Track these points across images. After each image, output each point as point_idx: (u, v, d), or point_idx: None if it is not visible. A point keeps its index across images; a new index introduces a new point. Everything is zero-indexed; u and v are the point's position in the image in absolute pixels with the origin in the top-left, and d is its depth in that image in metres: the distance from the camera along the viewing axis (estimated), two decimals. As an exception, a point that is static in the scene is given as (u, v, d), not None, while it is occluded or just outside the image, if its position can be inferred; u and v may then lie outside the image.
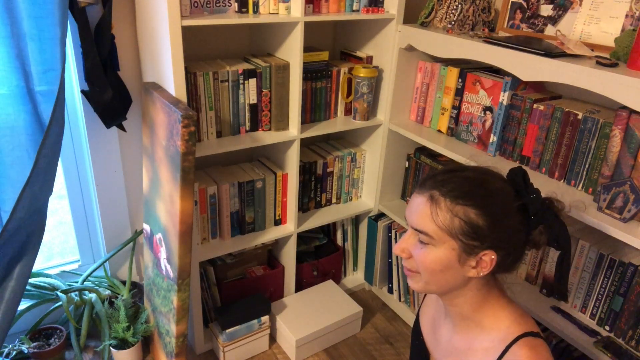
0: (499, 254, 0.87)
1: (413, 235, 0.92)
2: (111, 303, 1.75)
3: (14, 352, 1.62)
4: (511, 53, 1.41)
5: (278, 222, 1.90)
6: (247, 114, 1.69)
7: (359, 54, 1.92)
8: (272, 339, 1.92)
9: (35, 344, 1.65)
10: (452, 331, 1.01)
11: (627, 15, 1.40)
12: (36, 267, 1.75)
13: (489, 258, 0.88)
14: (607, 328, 1.36)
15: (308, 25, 1.65)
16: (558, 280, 0.98)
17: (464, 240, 0.87)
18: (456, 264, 0.89)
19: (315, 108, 1.83)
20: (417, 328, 1.16)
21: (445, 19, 1.74)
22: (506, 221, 0.87)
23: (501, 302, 0.94)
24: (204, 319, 1.88)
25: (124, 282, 1.85)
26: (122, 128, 1.67)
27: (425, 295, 1.18)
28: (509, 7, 1.72)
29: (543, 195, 0.92)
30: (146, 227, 1.65)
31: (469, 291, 0.93)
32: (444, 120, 1.77)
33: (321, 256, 2.11)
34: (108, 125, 1.59)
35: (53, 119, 1.33)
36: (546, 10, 1.61)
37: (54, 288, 1.73)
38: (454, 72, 1.70)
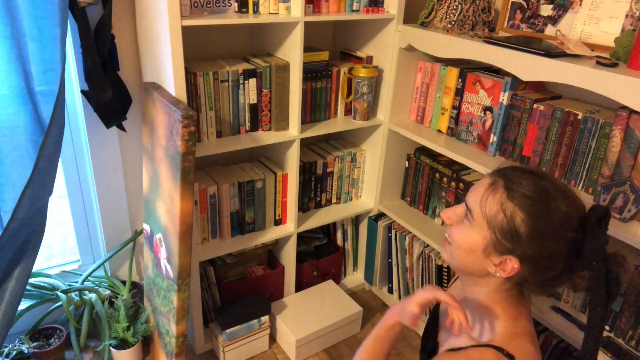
0: (523, 268, 0.87)
1: (462, 209, 0.94)
2: (111, 303, 1.75)
3: (14, 352, 1.62)
4: (511, 53, 1.41)
5: (278, 222, 1.90)
6: (247, 114, 1.69)
7: (359, 54, 1.92)
8: (272, 339, 1.92)
9: (35, 344, 1.65)
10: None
11: (627, 15, 1.40)
12: (36, 267, 1.75)
13: (511, 265, 0.88)
14: (607, 328, 1.36)
15: (308, 25, 1.65)
16: (589, 344, 0.88)
17: (498, 236, 0.87)
18: (481, 253, 0.90)
19: (315, 108, 1.83)
20: (436, 309, 1.17)
21: (445, 19, 1.74)
22: (548, 243, 0.85)
23: (508, 314, 0.93)
24: (204, 319, 1.88)
25: (124, 282, 1.85)
26: (122, 128, 1.67)
27: (453, 281, 1.20)
28: (509, 7, 1.72)
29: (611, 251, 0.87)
30: (146, 227, 1.65)
31: (487, 286, 0.94)
32: (444, 120, 1.77)
33: (321, 256, 2.11)
34: (108, 125, 1.59)
35: (53, 119, 1.34)
36: (546, 10, 1.61)
37: (54, 288, 1.73)
38: (454, 72, 1.70)
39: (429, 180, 1.90)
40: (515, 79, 1.49)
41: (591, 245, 0.84)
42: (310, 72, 1.75)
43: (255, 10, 1.53)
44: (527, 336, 0.92)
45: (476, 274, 0.94)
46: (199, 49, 1.73)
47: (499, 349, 0.87)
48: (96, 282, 1.86)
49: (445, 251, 0.98)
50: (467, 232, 0.91)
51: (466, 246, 0.91)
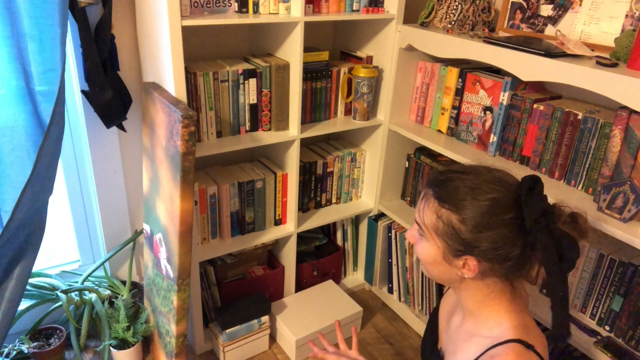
0: (482, 262, 0.88)
1: (417, 227, 0.97)
2: (111, 303, 1.75)
3: (14, 352, 1.62)
4: (511, 53, 1.41)
5: (278, 222, 1.90)
6: (247, 114, 1.69)
7: (359, 54, 1.92)
8: (272, 339, 1.92)
9: (35, 344, 1.65)
10: (463, 320, 1.02)
11: (627, 15, 1.40)
12: (36, 267, 1.75)
13: (471, 264, 0.89)
14: (607, 328, 1.36)
15: (308, 25, 1.65)
16: (558, 318, 0.89)
17: (447, 242, 0.89)
18: (443, 261, 0.92)
19: (315, 108, 1.83)
20: (435, 313, 1.17)
21: (445, 19, 1.74)
22: (489, 233, 0.86)
23: (508, 308, 0.93)
24: (204, 319, 1.88)
25: (124, 282, 1.85)
26: (122, 128, 1.67)
27: (447, 289, 1.20)
28: (509, 7, 1.72)
29: (570, 210, 0.87)
30: (146, 227, 1.65)
31: (470, 288, 0.94)
32: (444, 120, 1.77)
33: (321, 256, 2.11)
34: (108, 125, 1.59)
35: (53, 119, 1.33)
36: (546, 10, 1.61)
37: (54, 288, 1.73)
38: (454, 72, 1.70)
39: (429, 180, 1.89)
40: (515, 79, 1.49)
41: (529, 216, 0.85)
42: (310, 72, 1.75)
43: (255, 10, 1.53)
44: (536, 327, 0.93)
45: (454, 281, 0.95)
46: (199, 49, 1.73)
47: (517, 341, 0.87)
48: (96, 282, 1.86)
49: (423, 269, 1.00)
50: (424, 246, 0.94)
51: (428, 259, 0.94)
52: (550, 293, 0.89)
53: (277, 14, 1.55)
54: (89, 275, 1.82)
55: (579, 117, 1.36)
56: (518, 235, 0.86)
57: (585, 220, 0.88)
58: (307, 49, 1.76)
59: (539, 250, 0.86)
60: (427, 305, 1.96)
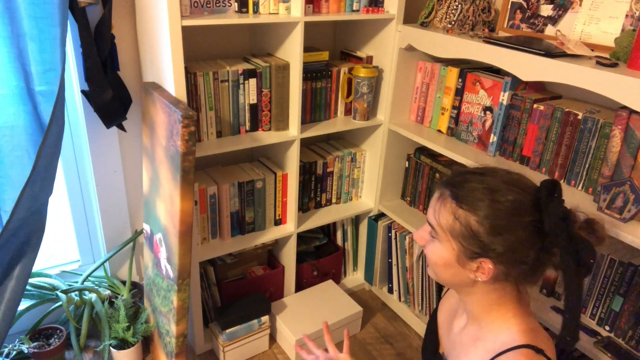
0: (497, 265, 0.87)
1: (429, 228, 0.95)
2: (111, 303, 1.75)
3: (14, 352, 1.62)
4: (511, 53, 1.41)
5: (278, 222, 1.90)
6: (247, 114, 1.69)
7: (359, 54, 1.92)
8: (272, 339, 1.92)
9: (35, 344, 1.65)
10: (466, 324, 1.01)
11: (627, 15, 1.40)
12: (36, 267, 1.75)
13: (486, 267, 0.87)
14: (607, 328, 1.36)
15: (308, 25, 1.65)
16: (569, 322, 0.88)
17: (463, 244, 0.87)
18: (456, 264, 0.90)
19: (315, 108, 1.83)
20: (434, 316, 1.16)
21: (445, 19, 1.74)
22: (508, 235, 0.85)
23: (514, 312, 0.92)
24: (204, 319, 1.88)
25: (124, 282, 1.85)
26: (122, 128, 1.67)
27: (446, 290, 1.19)
28: (509, 7, 1.72)
29: (585, 217, 0.87)
30: (146, 227, 1.65)
31: (479, 292, 0.93)
32: (444, 120, 1.77)
33: (321, 256, 2.11)
34: (108, 125, 1.59)
35: (53, 119, 1.34)
36: (546, 10, 1.61)
37: (54, 288, 1.73)
38: (454, 72, 1.70)
39: (429, 180, 1.90)
40: (515, 79, 1.49)
41: (549, 220, 0.84)
42: (310, 72, 1.75)
43: (255, 10, 1.53)
44: (542, 329, 0.93)
45: (464, 284, 0.93)
46: (199, 49, 1.73)
47: (527, 346, 0.87)
48: (96, 282, 1.86)
49: (430, 270, 0.98)
50: (437, 248, 0.92)
51: (441, 262, 0.92)
52: (565, 297, 0.88)
53: (277, 14, 1.55)
54: (89, 275, 1.82)
55: (579, 117, 1.36)
56: (536, 238, 0.85)
57: (602, 226, 0.88)
58: (307, 49, 1.76)
59: (559, 255, 0.85)
60: (427, 305, 1.96)
